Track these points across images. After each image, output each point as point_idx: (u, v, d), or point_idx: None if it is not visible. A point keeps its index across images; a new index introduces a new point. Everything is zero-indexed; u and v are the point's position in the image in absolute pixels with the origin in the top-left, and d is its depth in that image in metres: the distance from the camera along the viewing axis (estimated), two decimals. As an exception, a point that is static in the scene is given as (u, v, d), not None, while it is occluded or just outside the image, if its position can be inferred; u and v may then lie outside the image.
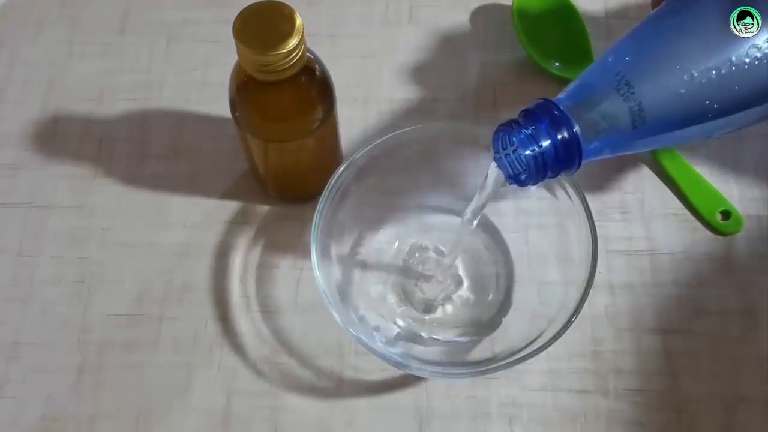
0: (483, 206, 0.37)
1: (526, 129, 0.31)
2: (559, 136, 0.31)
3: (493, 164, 0.34)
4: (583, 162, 0.32)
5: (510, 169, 0.34)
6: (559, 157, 0.31)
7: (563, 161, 0.32)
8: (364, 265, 0.44)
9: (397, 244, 0.45)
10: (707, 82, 0.31)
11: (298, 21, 0.35)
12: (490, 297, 0.43)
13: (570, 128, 0.31)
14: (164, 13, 0.53)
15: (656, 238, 0.45)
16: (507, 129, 0.32)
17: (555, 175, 0.32)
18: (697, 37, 0.31)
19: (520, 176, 0.33)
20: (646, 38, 0.33)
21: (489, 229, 0.45)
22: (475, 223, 0.39)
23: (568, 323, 0.37)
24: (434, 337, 0.43)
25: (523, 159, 0.32)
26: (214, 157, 0.48)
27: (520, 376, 0.42)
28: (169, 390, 0.42)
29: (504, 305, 0.43)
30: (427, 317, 0.43)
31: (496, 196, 0.36)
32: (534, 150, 0.31)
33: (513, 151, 0.33)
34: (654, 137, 0.32)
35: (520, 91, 0.50)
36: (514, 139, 0.32)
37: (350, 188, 0.42)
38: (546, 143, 0.31)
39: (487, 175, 0.35)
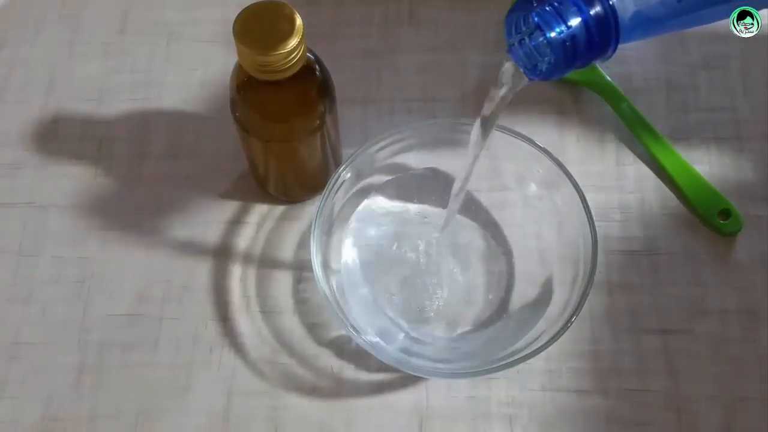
0: (495, 116, 0.32)
1: (550, 4, 0.26)
2: (593, 12, 0.26)
3: (508, 58, 0.29)
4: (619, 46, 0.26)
5: (526, 60, 0.28)
6: (593, 39, 0.26)
7: (597, 45, 0.26)
8: (364, 265, 0.44)
9: (396, 243, 0.45)
10: None
11: (298, 21, 0.35)
12: (491, 296, 0.43)
13: (605, 0, 0.26)
14: (164, 13, 0.53)
15: (656, 238, 0.45)
16: (524, 6, 0.27)
17: (584, 64, 0.27)
18: None
19: (540, 67, 0.28)
20: None
21: (490, 227, 0.45)
22: (484, 147, 0.33)
23: (568, 323, 0.37)
24: (434, 336, 0.43)
25: (546, 44, 0.26)
26: (214, 157, 0.48)
27: (520, 376, 0.42)
28: (169, 390, 0.42)
29: (504, 304, 0.43)
30: (426, 317, 0.43)
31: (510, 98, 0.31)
32: (561, 31, 0.26)
33: (529, 36, 0.27)
34: (699, 12, 0.27)
35: (520, 91, 0.49)
36: (535, 18, 0.26)
37: (350, 188, 0.42)
38: (575, 21, 0.26)
39: (501, 72, 0.30)
